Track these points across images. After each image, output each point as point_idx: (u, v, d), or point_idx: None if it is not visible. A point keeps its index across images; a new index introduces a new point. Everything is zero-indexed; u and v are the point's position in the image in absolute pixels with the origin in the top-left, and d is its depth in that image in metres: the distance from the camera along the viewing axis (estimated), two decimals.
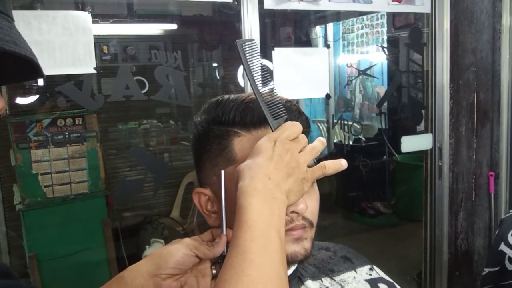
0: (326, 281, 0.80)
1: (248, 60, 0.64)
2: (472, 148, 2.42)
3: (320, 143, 0.64)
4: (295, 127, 0.62)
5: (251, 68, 0.64)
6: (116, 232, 2.79)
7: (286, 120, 0.65)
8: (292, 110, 0.71)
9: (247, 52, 0.64)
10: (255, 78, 0.64)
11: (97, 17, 1.80)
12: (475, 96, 2.38)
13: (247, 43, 0.64)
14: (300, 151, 0.62)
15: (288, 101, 0.72)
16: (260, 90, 0.64)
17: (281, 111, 0.65)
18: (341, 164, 0.63)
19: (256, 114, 0.68)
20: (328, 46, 3.40)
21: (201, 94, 3.84)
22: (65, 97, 1.76)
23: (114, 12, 2.71)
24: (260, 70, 0.65)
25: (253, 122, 0.68)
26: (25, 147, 2.53)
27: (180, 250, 0.63)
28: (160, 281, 0.63)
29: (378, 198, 4.44)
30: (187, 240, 0.65)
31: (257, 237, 0.54)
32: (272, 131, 0.63)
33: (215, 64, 4.09)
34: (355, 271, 0.84)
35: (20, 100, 2.81)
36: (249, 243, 0.54)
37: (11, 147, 2.58)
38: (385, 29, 4.20)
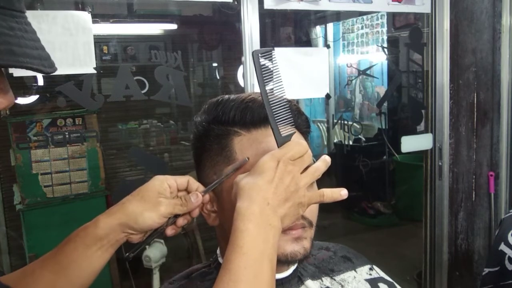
0: (326, 280, 0.80)
1: (263, 72, 0.62)
2: (472, 148, 2.42)
3: (323, 163, 0.63)
4: (300, 146, 0.61)
5: (265, 81, 0.62)
6: None
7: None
8: (292, 110, 0.71)
9: (265, 63, 0.62)
10: (267, 92, 0.62)
11: (97, 17, 1.80)
12: (475, 96, 2.38)
13: (265, 54, 0.62)
14: (303, 171, 0.61)
15: (288, 101, 0.72)
16: (271, 104, 0.62)
17: (290, 126, 0.64)
18: (341, 194, 0.63)
19: (256, 114, 0.68)
20: (328, 46, 3.40)
21: (201, 94, 3.84)
22: (65, 97, 1.76)
23: (114, 12, 2.71)
24: (279, 81, 0.64)
25: (253, 122, 0.68)
26: (25, 147, 2.53)
27: (152, 219, 0.67)
28: (129, 235, 0.68)
29: (378, 198, 4.44)
30: (163, 208, 0.67)
31: (250, 265, 0.55)
32: (278, 146, 0.62)
33: (215, 64, 4.09)
34: (355, 271, 0.84)
35: (20, 100, 2.81)
36: (242, 270, 0.55)
37: (11, 147, 2.58)
38: (385, 29, 4.20)
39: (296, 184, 0.60)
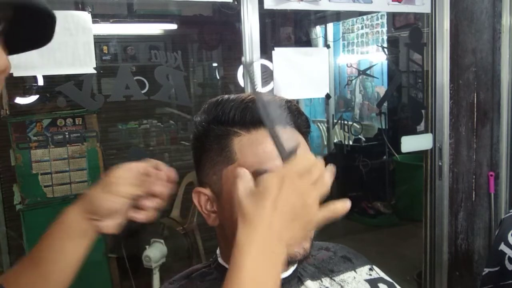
0: (326, 281, 0.80)
1: (256, 82, 0.60)
2: (472, 148, 2.42)
3: (330, 175, 0.59)
4: (307, 160, 0.58)
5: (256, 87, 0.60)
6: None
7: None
8: (292, 110, 0.71)
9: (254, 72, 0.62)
10: (265, 103, 0.59)
11: (97, 17, 1.80)
12: (475, 96, 2.38)
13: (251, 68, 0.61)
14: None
15: (288, 101, 0.71)
16: (272, 114, 0.59)
17: (291, 138, 0.61)
18: (347, 205, 0.60)
19: (256, 114, 0.68)
20: (328, 46, 3.40)
21: (201, 94, 3.85)
22: (65, 97, 1.76)
23: (114, 12, 2.71)
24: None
25: (253, 122, 0.68)
26: (25, 147, 2.53)
27: (110, 200, 0.67)
28: (98, 223, 0.69)
29: (378, 198, 4.44)
30: (120, 188, 0.67)
31: None
32: (282, 160, 0.59)
33: (215, 64, 4.09)
34: (355, 271, 0.84)
35: (20, 100, 2.81)
36: None
37: (11, 147, 2.58)
38: (385, 29, 4.20)
39: (304, 201, 0.56)
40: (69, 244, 0.68)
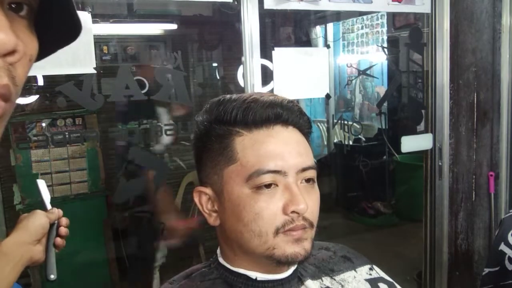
0: (326, 280, 0.80)
1: None
2: (472, 148, 2.42)
3: None
4: None
5: None
6: (116, 232, 2.79)
7: None
8: (294, 111, 0.71)
9: None
10: None
11: (97, 17, 1.80)
12: (475, 96, 2.38)
13: None
14: None
15: (289, 101, 0.71)
16: None
17: None
18: None
19: (258, 114, 0.68)
20: (328, 46, 3.40)
21: (201, 94, 3.84)
22: (65, 97, 1.76)
23: (114, 12, 2.71)
24: None
25: (255, 122, 0.68)
26: (25, 147, 2.53)
27: (42, 218, 0.90)
28: (32, 247, 0.84)
29: (378, 198, 4.43)
30: (40, 211, 0.91)
31: None
32: None
33: (215, 64, 4.09)
34: (355, 270, 0.84)
35: (20, 100, 2.80)
36: None
37: (11, 147, 2.58)
38: (385, 29, 4.20)
39: None
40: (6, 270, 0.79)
